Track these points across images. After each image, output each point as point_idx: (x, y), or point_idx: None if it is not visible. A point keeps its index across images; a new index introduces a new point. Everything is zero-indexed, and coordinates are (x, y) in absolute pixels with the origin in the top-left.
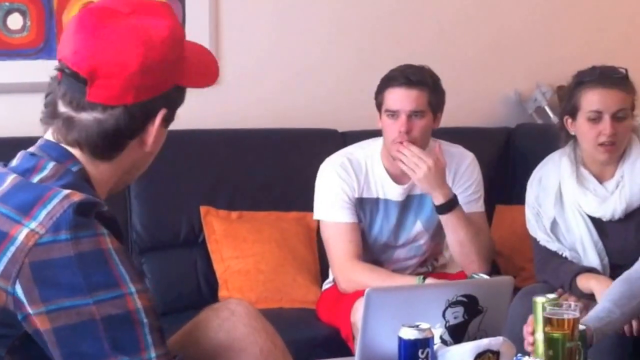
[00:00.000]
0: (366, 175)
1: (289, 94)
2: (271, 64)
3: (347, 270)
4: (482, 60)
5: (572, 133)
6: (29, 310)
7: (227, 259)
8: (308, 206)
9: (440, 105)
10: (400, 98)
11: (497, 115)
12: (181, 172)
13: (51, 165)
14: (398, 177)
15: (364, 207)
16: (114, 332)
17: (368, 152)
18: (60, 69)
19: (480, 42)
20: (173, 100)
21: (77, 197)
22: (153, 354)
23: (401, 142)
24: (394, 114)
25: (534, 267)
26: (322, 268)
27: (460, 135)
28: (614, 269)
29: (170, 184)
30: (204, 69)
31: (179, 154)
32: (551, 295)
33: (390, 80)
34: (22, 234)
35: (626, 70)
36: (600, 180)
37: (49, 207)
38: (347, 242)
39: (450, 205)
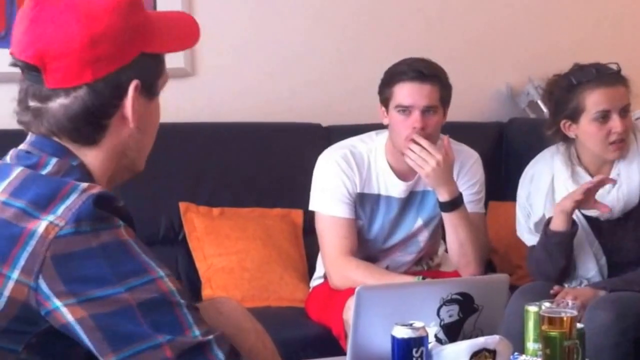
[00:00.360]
0: (368, 170)
1: (269, 86)
2: (250, 54)
3: (340, 266)
4: (472, 54)
5: (572, 136)
6: (57, 303)
7: (210, 256)
8: (293, 202)
9: (449, 100)
10: (412, 93)
11: (489, 109)
12: (159, 167)
13: (54, 161)
14: (403, 174)
15: (364, 203)
16: (153, 316)
17: (371, 146)
18: (13, 64)
19: (469, 34)
20: (144, 68)
21: (96, 189)
22: (197, 332)
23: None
24: (405, 109)
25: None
26: (310, 266)
27: (451, 131)
28: (612, 269)
29: (147, 179)
30: (177, 32)
31: (157, 148)
32: (547, 303)
33: (400, 74)
34: (41, 227)
35: (617, 64)
36: None
37: (68, 202)
38: (342, 238)
39: (455, 203)
